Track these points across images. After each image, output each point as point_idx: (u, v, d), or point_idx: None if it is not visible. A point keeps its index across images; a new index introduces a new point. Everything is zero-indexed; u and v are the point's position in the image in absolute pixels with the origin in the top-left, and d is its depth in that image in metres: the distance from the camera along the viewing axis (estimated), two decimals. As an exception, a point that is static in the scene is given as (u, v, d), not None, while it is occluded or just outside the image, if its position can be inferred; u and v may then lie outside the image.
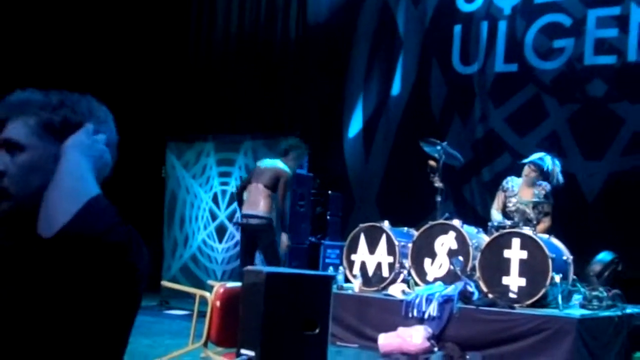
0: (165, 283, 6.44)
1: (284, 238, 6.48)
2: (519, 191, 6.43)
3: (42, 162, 1.33)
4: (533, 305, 5.56)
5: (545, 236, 5.94)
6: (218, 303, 4.52)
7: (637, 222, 7.32)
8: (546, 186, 6.31)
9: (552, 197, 6.33)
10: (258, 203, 6.30)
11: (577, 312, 5.60)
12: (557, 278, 5.53)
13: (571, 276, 5.94)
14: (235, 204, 8.15)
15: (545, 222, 6.38)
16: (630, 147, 7.55)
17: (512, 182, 6.50)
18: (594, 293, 5.95)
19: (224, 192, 8.32)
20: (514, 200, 6.47)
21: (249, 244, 6.52)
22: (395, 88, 9.18)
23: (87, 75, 10.58)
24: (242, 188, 6.63)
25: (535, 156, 6.51)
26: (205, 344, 4.57)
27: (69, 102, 1.39)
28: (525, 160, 6.51)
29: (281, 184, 6.33)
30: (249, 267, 3.47)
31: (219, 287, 4.63)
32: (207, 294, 4.64)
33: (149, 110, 10.45)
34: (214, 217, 8.35)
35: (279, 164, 6.47)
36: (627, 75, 7.67)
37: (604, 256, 6.56)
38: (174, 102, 10.29)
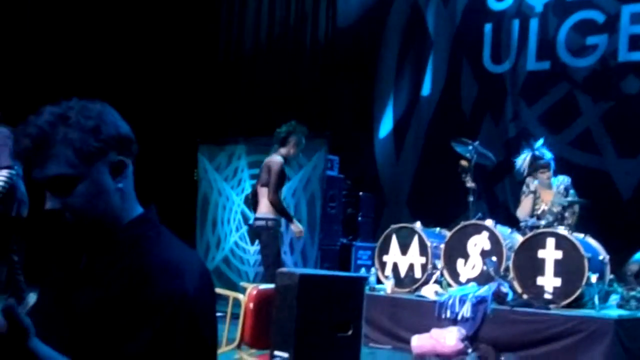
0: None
1: (294, 226, 6.02)
2: (540, 193, 6.32)
3: (100, 185, 1.34)
4: (569, 305, 5.49)
5: (581, 235, 5.86)
6: (251, 305, 4.54)
7: (674, 221, 7.19)
8: (564, 180, 6.22)
9: (575, 191, 6.23)
10: (259, 205, 6.02)
11: (614, 312, 5.51)
12: (594, 278, 5.45)
13: (608, 276, 5.85)
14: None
15: (573, 219, 6.27)
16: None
17: (530, 184, 6.41)
18: (632, 293, 5.85)
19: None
20: (537, 201, 6.37)
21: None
22: (426, 88, 9.14)
23: (119, 81, 10.73)
24: (254, 195, 6.29)
25: (523, 156, 6.39)
26: (238, 346, 4.59)
27: (88, 120, 1.36)
28: (518, 161, 6.37)
29: (271, 174, 5.91)
30: (282, 269, 3.48)
31: (252, 289, 4.65)
32: (240, 296, 4.66)
33: (181, 114, 10.56)
34: (246, 219, 8.40)
35: (272, 156, 6.09)
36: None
37: (642, 256, 6.45)
38: (205, 105, 10.37)
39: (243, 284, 5.43)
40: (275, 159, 6.03)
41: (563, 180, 6.23)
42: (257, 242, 8.21)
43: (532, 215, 6.30)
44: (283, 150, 6.10)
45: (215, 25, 10.67)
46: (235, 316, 4.71)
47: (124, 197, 1.37)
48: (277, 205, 5.97)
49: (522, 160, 6.38)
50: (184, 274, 1.28)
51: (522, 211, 6.41)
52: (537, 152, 6.33)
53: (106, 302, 1.25)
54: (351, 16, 9.65)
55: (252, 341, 4.56)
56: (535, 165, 6.31)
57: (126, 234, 1.33)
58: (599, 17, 7.92)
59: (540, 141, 6.45)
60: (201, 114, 10.33)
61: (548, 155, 6.37)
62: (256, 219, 6.09)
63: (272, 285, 3.61)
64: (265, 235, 5.97)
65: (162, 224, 1.43)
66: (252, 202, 6.44)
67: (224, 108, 10.26)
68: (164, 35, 10.08)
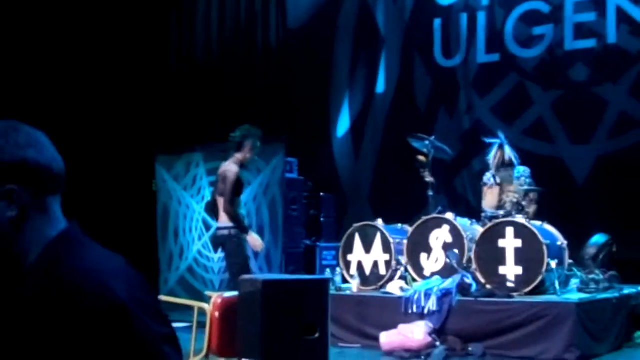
0: (164, 297, 6.41)
1: (251, 239, 5.88)
2: (504, 185, 6.37)
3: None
4: (531, 292, 5.59)
5: (539, 223, 5.96)
6: (217, 314, 4.52)
7: (628, 203, 7.37)
8: (525, 171, 6.29)
9: (533, 181, 6.30)
10: (220, 214, 5.90)
11: (575, 296, 5.63)
12: (553, 264, 5.55)
13: (567, 261, 5.96)
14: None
15: (532, 208, 6.37)
16: (616, 129, 7.60)
17: (489, 176, 6.47)
18: (591, 276, 5.98)
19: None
20: (502, 192, 6.42)
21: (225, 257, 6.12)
22: (380, 85, 9.20)
23: (72, 95, 10.55)
24: (214, 204, 6.17)
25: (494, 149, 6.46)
26: (206, 356, 4.56)
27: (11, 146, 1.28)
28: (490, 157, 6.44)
29: (227, 183, 5.79)
30: (245, 276, 3.46)
31: (216, 297, 4.63)
32: (205, 306, 4.63)
33: (136, 124, 10.43)
34: (207, 227, 8.34)
35: (227, 164, 5.99)
36: (607, 58, 7.72)
37: (598, 239, 6.59)
38: (160, 115, 10.27)
39: (208, 292, 5.39)
40: (230, 167, 5.91)
41: (524, 172, 6.29)
42: (220, 250, 8.18)
43: (498, 207, 6.32)
44: (239, 156, 6.00)
45: (165, 33, 10.57)
46: (202, 325, 4.68)
47: (27, 226, 1.28)
48: (232, 216, 5.83)
49: (493, 157, 6.41)
50: (108, 282, 1.23)
51: (488, 203, 6.40)
52: (506, 149, 6.37)
53: (32, 335, 1.19)
54: (301, 17, 9.65)
55: (219, 350, 4.53)
56: (505, 162, 6.35)
57: (38, 261, 1.27)
58: (543, 7, 8.07)
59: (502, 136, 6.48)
60: (156, 124, 10.22)
61: (513, 154, 6.41)
62: (218, 228, 6.00)
63: (237, 293, 3.59)
64: (229, 245, 5.88)
65: (86, 236, 1.36)
66: (213, 211, 6.36)
67: (179, 116, 10.17)
68: (115, 47, 9.94)
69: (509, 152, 6.35)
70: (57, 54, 9.66)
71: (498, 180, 6.35)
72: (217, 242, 6.07)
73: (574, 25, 7.87)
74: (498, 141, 6.43)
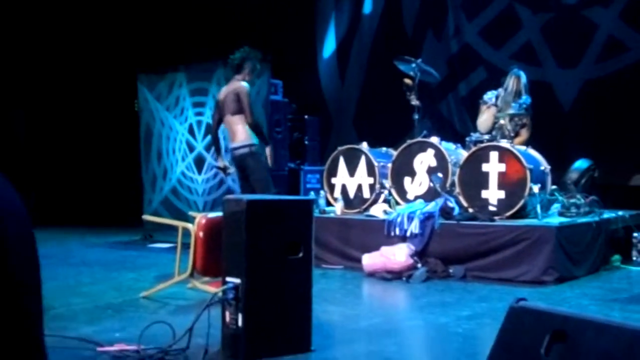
0: (147, 217, 6.42)
1: (268, 151, 6.01)
2: (502, 105, 6.34)
3: None
4: (513, 216, 5.65)
5: (523, 148, 5.97)
6: (201, 234, 4.54)
7: (612, 129, 7.39)
8: (527, 99, 6.23)
9: (530, 110, 6.29)
10: (235, 133, 5.94)
11: (555, 220, 5.70)
12: (536, 188, 5.59)
13: (549, 186, 6.01)
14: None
15: (524, 135, 6.37)
16: (605, 53, 7.53)
17: (491, 95, 6.42)
18: (572, 201, 6.04)
19: (199, 123, 8.22)
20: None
21: (243, 176, 6.08)
22: (367, 6, 9.00)
23: (54, 16, 10.25)
24: (216, 127, 6.20)
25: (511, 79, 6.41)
26: (191, 275, 4.60)
27: None
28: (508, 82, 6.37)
29: (242, 100, 5.84)
30: (229, 196, 3.45)
31: (200, 218, 4.64)
32: (189, 226, 4.64)
33: (117, 43, 10.20)
34: (191, 148, 8.29)
35: (232, 84, 5.98)
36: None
37: (581, 164, 6.63)
38: (142, 33, 10.04)
39: (192, 213, 5.40)
40: (240, 84, 5.91)
41: (525, 100, 6.21)
42: (205, 170, 8.15)
43: (492, 129, 6.29)
44: (239, 77, 5.98)
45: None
46: (186, 246, 4.71)
47: None
48: (258, 127, 5.99)
49: (507, 83, 6.33)
50: None
51: (483, 122, 6.34)
52: (522, 79, 6.32)
53: None
54: None
55: (203, 269, 4.57)
56: (516, 91, 6.29)
57: None
58: None
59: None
60: (139, 43, 10.00)
61: (526, 87, 6.35)
62: (235, 148, 5.94)
63: (220, 213, 3.58)
64: (251, 162, 5.89)
65: None
66: (216, 140, 6.26)
67: (161, 35, 9.94)
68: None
69: (524, 82, 6.30)
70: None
71: (499, 102, 6.31)
72: (238, 162, 5.98)
73: (567, -55, 7.68)
74: (515, 69, 6.37)
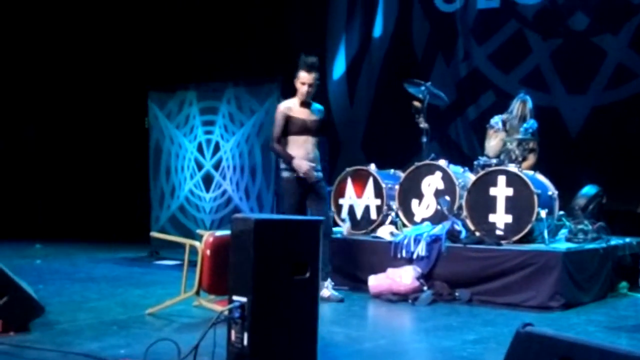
0: (155, 234, 6.45)
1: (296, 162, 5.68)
2: (509, 129, 6.36)
3: None
4: (520, 241, 5.64)
5: (531, 172, 5.98)
6: (208, 252, 4.55)
7: (620, 155, 7.39)
8: (534, 124, 6.25)
9: (537, 135, 6.31)
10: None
11: (562, 246, 5.69)
12: (543, 213, 5.59)
13: (557, 211, 6.01)
14: (220, 153, 8.12)
15: (531, 159, 6.39)
16: (613, 80, 7.56)
17: (498, 120, 6.44)
18: (579, 226, 6.03)
19: (208, 141, 8.27)
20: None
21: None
22: (377, 29, 9.07)
23: (63, 29, 10.37)
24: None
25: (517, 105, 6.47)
26: (197, 293, 4.61)
27: None
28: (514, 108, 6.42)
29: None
30: (237, 215, 3.46)
31: (208, 235, 4.65)
32: (196, 243, 4.66)
33: (129, 61, 10.30)
34: (199, 166, 8.33)
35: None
36: (608, 8, 7.63)
37: (589, 190, 6.62)
38: (154, 52, 10.13)
39: (199, 231, 5.42)
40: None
41: (532, 124, 6.23)
42: (213, 188, 8.20)
43: (500, 153, 6.29)
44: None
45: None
46: (192, 263, 4.72)
47: None
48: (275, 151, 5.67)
49: (513, 108, 6.40)
50: None
51: (491, 147, 6.31)
52: (528, 104, 6.38)
53: None
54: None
55: (210, 287, 4.58)
56: (522, 116, 6.35)
57: None
58: (546, -47, 7.92)
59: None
60: (150, 61, 10.09)
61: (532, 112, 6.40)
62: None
63: (228, 232, 3.60)
64: (279, 187, 5.78)
65: None
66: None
67: (173, 54, 10.03)
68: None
69: (529, 107, 6.34)
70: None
71: (506, 126, 6.33)
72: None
73: (577, -27, 7.74)
74: (522, 94, 6.42)
